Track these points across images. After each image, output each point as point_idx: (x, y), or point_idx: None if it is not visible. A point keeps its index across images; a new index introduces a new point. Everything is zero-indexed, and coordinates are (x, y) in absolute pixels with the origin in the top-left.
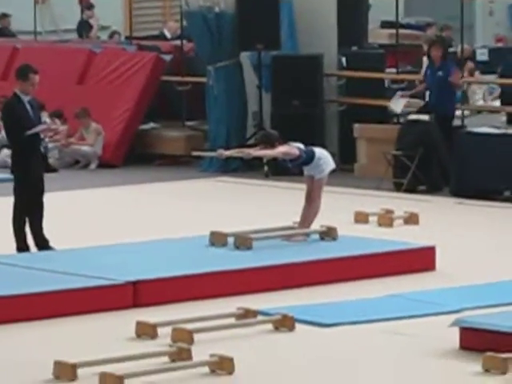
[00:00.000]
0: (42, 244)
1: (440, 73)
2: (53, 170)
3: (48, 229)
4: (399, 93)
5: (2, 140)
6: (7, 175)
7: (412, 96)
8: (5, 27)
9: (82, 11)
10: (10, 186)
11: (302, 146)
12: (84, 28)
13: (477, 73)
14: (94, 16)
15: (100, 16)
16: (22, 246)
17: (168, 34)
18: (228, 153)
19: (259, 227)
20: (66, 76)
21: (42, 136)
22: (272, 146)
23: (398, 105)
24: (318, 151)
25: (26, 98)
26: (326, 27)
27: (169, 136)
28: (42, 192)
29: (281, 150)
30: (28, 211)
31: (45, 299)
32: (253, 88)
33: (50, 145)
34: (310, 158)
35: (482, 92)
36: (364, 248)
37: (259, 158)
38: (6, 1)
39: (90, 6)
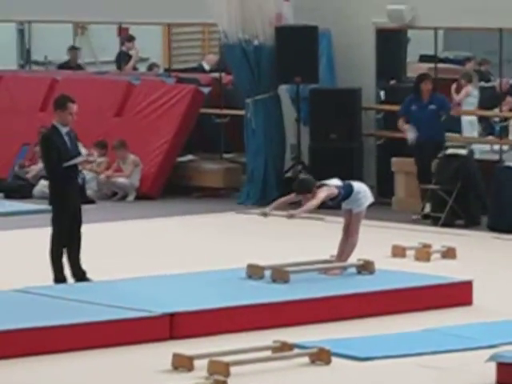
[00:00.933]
0: (80, 275)
1: (432, 106)
2: (91, 201)
3: (85, 260)
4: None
5: (39, 171)
6: (45, 206)
7: None
8: (73, 59)
9: (122, 43)
10: (48, 216)
11: (338, 181)
12: (123, 59)
13: None
14: (134, 48)
15: (139, 48)
16: (59, 277)
17: (207, 66)
18: (269, 210)
19: (296, 260)
20: (104, 108)
21: (79, 167)
22: (310, 192)
23: (410, 134)
24: (357, 185)
25: (64, 130)
26: (365, 60)
27: (207, 168)
28: (79, 223)
29: (322, 196)
30: (66, 242)
31: (81, 331)
32: (291, 121)
33: (88, 176)
34: (348, 193)
35: None
36: (401, 282)
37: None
38: (47, 31)
39: (131, 38)
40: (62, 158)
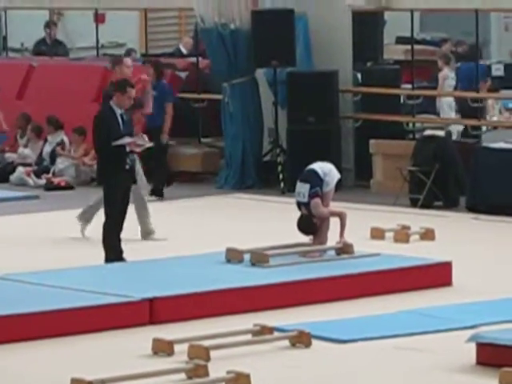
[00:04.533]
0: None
1: (154, 92)
2: (70, 187)
3: (64, 245)
4: None
5: (17, 158)
6: (22, 193)
7: None
8: (49, 36)
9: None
10: (26, 203)
11: (307, 186)
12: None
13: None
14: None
15: (116, 34)
16: (115, 258)
17: (184, 50)
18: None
19: (275, 244)
20: (82, 94)
21: (128, 149)
22: (316, 231)
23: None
24: (321, 170)
25: (119, 111)
26: (341, 43)
27: (185, 153)
28: (126, 204)
29: (325, 214)
30: (119, 221)
31: (61, 316)
32: (268, 105)
33: (67, 163)
34: (321, 185)
35: (498, 108)
36: (380, 264)
37: (277, 174)
38: (23, 18)
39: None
40: (112, 137)
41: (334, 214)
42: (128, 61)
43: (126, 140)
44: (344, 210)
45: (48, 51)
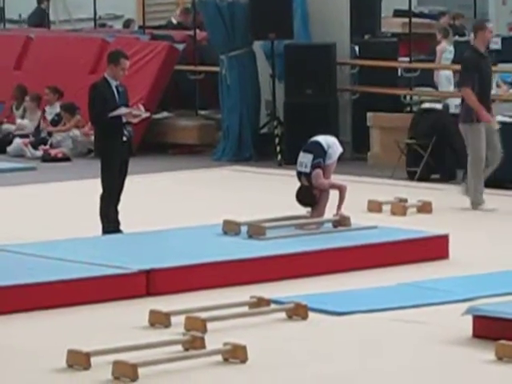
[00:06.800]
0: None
1: None
2: (66, 158)
3: (61, 217)
4: None
5: (15, 130)
6: (21, 164)
7: None
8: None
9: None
10: (24, 174)
11: (310, 156)
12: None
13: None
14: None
15: (113, 5)
16: (112, 230)
17: (174, 21)
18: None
19: (272, 216)
20: (79, 66)
21: (124, 120)
22: (316, 203)
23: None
24: (324, 142)
25: (114, 83)
26: (339, 16)
27: (182, 125)
28: (124, 176)
29: (325, 186)
30: (116, 192)
31: (57, 288)
32: (266, 77)
33: (64, 135)
34: (324, 156)
35: (494, 81)
36: (376, 236)
37: (274, 147)
38: None
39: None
40: (107, 109)
41: (334, 186)
42: (126, 63)
43: (122, 110)
44: (345, 183)
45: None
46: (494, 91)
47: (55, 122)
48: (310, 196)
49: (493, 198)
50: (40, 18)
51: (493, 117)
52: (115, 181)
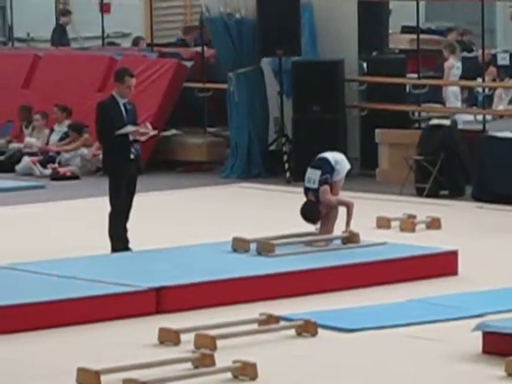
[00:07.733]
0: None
1: None
2: (75, 177)
3: (70, 235)
4: None
5: (24, 148)
6: (28, 183)
7: None
8: (65, 24)
9: (57, 18)
10: (32, 193)
11: (318, 172)
12: (59, 34)
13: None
14: (71, 22)
15: (121, 23)
16: (120, 248)
17: (183, 37)
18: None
19: (281, 233)
20: (87, 84)
21: (131, 138)
22: (319, 219)
23: None
24: (332, 158)
25: (121, 101)
26: (347, 33)
27: (190, 142)
28: (132, 194)
29: (333, 202)
30: (124, 210)
31: (68, 306)
32: (274, 94)
33: (72, 153)
34: (331, 172)
35: (507, 98)
36: (386, 253)
37: (283, 164)
38: (29, 8)
39: (66, 12)
40: (114, 127)
41: (341, 202)
42: (131, 81)
43: (129, 129)
44: (352, 200)
45: (58, 40)
46: (501, 107)
47: (64, 140)
48: (314, 211)
49: (503, 214)
50: (59, 36)
51: None
52: (123, 199)
